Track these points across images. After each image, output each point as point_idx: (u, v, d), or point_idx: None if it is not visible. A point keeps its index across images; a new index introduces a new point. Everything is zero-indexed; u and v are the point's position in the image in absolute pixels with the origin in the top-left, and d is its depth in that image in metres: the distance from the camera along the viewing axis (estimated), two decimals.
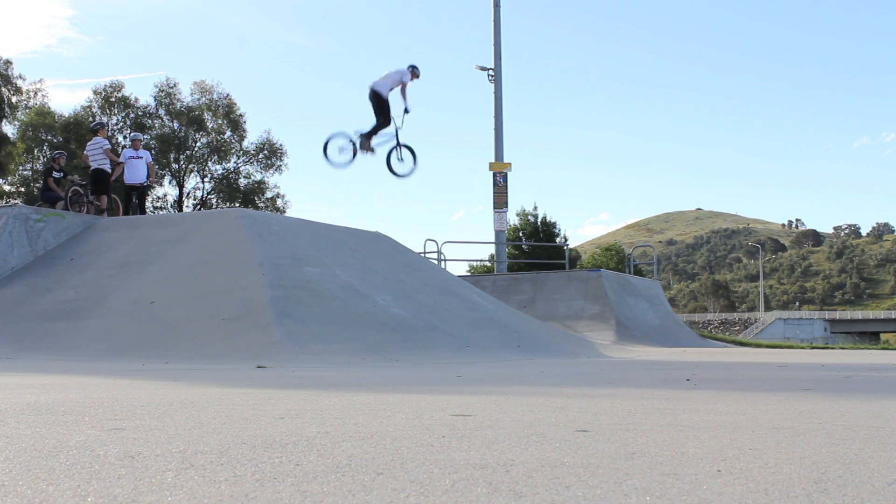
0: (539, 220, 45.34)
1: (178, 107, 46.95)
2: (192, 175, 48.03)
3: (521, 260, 35.19)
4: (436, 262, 19.59)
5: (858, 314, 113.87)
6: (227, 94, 48.11)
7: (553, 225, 45.45)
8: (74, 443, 2.41)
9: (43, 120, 44.02)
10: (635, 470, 2.05)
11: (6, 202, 41.24)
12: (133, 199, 15.22)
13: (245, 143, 48.04)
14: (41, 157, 44.00)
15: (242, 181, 48.12)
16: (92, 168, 14.51)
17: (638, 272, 25.89)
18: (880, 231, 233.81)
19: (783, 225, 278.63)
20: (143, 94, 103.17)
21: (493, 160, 23.66)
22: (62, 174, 15.22)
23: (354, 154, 12.36)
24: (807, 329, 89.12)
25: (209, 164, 48.01)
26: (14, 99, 42.03)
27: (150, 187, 20.42)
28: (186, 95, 47.55)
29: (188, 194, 47.76)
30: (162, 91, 47.03)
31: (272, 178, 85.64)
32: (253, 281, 10.03)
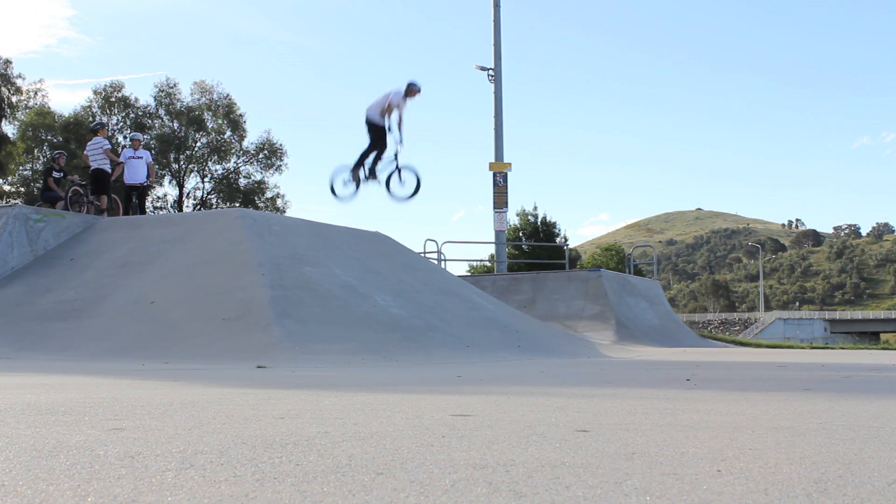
0: (539, 220, 45.34)
1: (178, 107, 46.96)
2: (192, 175, 48.06)
3: (521, 260, 35.19)
4: (436, 262, 19.59)
5: (858, 314, 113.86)
6: (227, 94, 48.17)
7: (553, 225, 45.45)
8: (74, 443, 2.41)
9: (43, 120, 44.03)
10: (635, 470, 2.05)
11: (6, 202, 41.23)
12: (133, 199, 15.22)
13: (245, 143, 48.10)
14: (41, 157, 44.01)
15: (242, 181, 48.14)
16: (92, 168, 14.51)
17: (638, 272, 25.89)
18: (880, 231, 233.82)
19: (783, 225, 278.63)
20: (143, 94, 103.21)
21: (493, 160, 23.66)
22: (62, 174, 15.22)
23: (357, 185, 12.13)
24: (807, 329, 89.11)
25: (209, 164, 48.04)
26: (14, 99, 42.03)
27: (150, 187, 20.41)
28: (186, 95, 47.60)
29: (188, 194, 47.79)
30: (162, 91, 47.05)
31: (272, 178, 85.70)
32: (253, 281, 10.03)
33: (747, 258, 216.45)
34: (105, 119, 44.75)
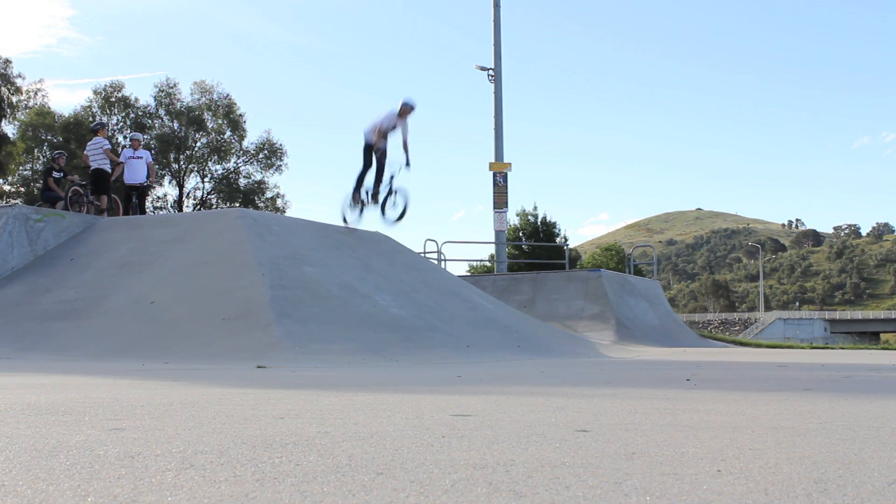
0: (539, 220, 45.33)
1: (178, 107, 46.96)
2: (192, 175, 48.06)
3: (521, 260, 35.18)
4: (436, 262, 19.59)
5: (858, 314, 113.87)
6: (227, 94, 48.16)
7: (553, 225, 45.44)
8: (74, 443, 2.41)
9: (43, 120, 44.02)
10: (635, 470, 2.05)
11: (6, 202, 41.23)
12: (133, 199, 15.22)
13: (245, 143, 48.09)
14: (41, 157, 44.00)
15: (242, 181, 48.14)
16: (92, 168, 14.51)
17: (638, 272, 25.89)
18: (880, 231, 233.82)
19: (783, 225, 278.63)
20: (143, 94, 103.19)
21: (493, 160, 23.66)
22: (62, 174, 15.22)
23: (362, 208, 12.25)
24: (807, 329, 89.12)
25: (209, 164, 48.04)
26: (14, 99, 42.03)
27: (150, 187, 20.40)
28: (186, 95, 47.60)
29: (188, 194, 47.79)
30: (162, 91, 47.04)
31: (272, 178, 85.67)
32: (253, 281, 10.03)
33: (747, 258, 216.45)
34: (105, 119, 44.74)
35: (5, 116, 41.34)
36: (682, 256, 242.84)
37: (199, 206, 46.96)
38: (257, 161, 47.97)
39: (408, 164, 11.78)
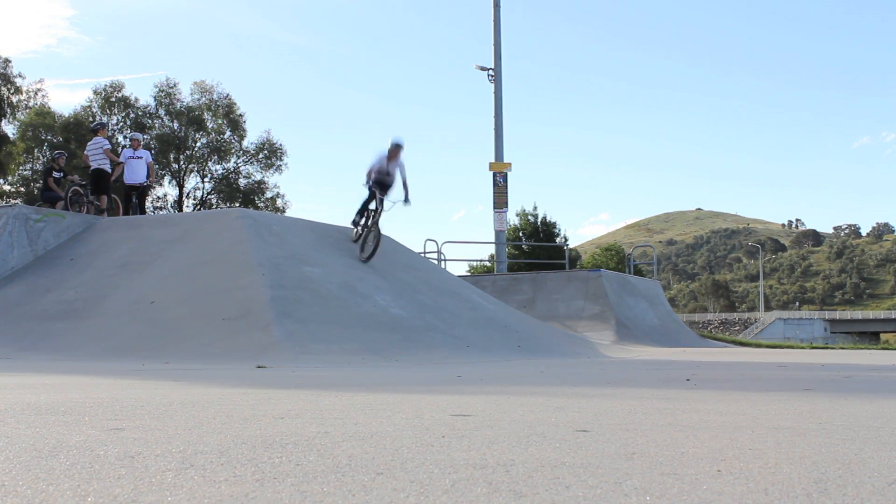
0: (539, 220, 45.32)
1: (178, 107, 46.95)
2: (192, 175, 48.05)
3: (521, 260, 35.19)
4: (436, 262, 19.59)
5: (858, 314, 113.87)
6: (227, 94, 48.15)
7: (553, 225, 45.43)
8: (74, 443, 2.41)
9: (43, 120, 44.01)
10: (635, 470, 2.05)
11: (6, 202, 41.23)
12: (133, 199, 15.22)
13: (245, 143, 48.08)
14: (41, 157, 43.99)
15: (242, 181, 48.13)
16: (92, 168, 14.51)
17: (638, 272, 25.89)
18: (880, 231, 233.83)
19: (783, 225, 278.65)
20: (143, 94, 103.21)
21: (493, 160, 23.66)
22: (62, 174, 15.22)
23: (361, 231, 12.53)
24: (807, 329, 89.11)
25: (209, 164, 48.03)
26: (14, 99, 42.04)
27: (150, 187, 20.40)
28: (186, 95, 47.59)
29: (188, 194, 47.78)
30: (162, 91, 47.04)
31: (272, 178, 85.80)
32: (253, 281, 10.03)
33: (747, 258, 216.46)
34: (105, 119, 44.74)
35: (5, 116, 41.35)
36: (682, 256, 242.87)
37: (199, 206, 46.96)
38: (257, 161, 47.98)
39: (407, 200, 12.11)
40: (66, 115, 45.44)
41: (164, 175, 46.17)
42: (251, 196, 47.11)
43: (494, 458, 2.20)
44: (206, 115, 47.13)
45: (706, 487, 1.84)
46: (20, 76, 42.38)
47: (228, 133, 47.81)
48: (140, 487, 1.78)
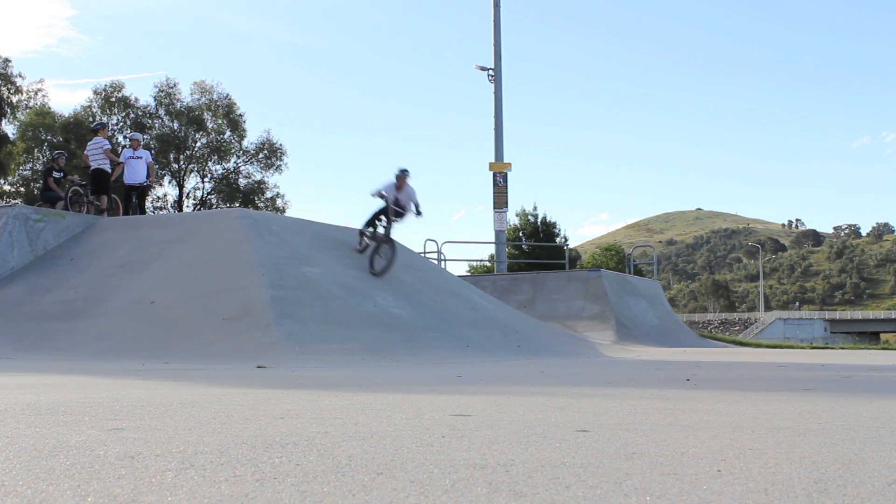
0: (539, 220, 45.30)
1: (178, 107, 46.94)
2: (192, 175, 48.04)
3: (521, 260, 35.19)
4: (436, 262, 19.59)
5: (858, 314, 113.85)
6: (227, 94, 48.13)
7: (553, 225, 45.41)
8: (74, 443, 2.41)
9: (43, 120, 44.01)
10: (635, 470, 2.05)
11: (6, 202, 41.23)
12: (133, 199, 15.21)
13: (245, 143, 48.06)
14: (41, 157, 43.98)
15: (242, 181, 48.11)
16: (92, 168, 14.51)
17: (638, 272, 25.89)
18: (880, 231, 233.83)
19: (783, 225, 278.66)
20: (143, 94, 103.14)
21: (493, 160, 23.66)
22: (62, 174, 15.22)
23: (369, 241, 12.50)
24: (807, 329, 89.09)
25: (209, 164, 48.01)
26: (14, 99, 42.04)
27: (150, 187, 20.40)
28: (186, 95, 47.58)
29: (188, 194, 47.77)
30: (162, 91, 47.03)
31: (272, 178, 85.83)
32: (253, 281, 10.03)
33: (747, 258, 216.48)
34: (105, 119, 44.74)
35: (5, 116, 41.35)
36: (682, 256, 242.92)
37: (199, 206, 46.95)
38: (257, 161, 47.97)
39: (419, 213, 12.31)
40: (66, 115, 45.44)
41: (164, 175, 46.17)
42: (251, 196, 47.10)
43: (494, 458, 2.20)
44: (206, 115, 47.12)
45: (706, 487, 1.84)
46: (20, 76, 42.38)
47: (228, 133, 47.81)
48: (140, 487, 1.78)
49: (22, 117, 43.44)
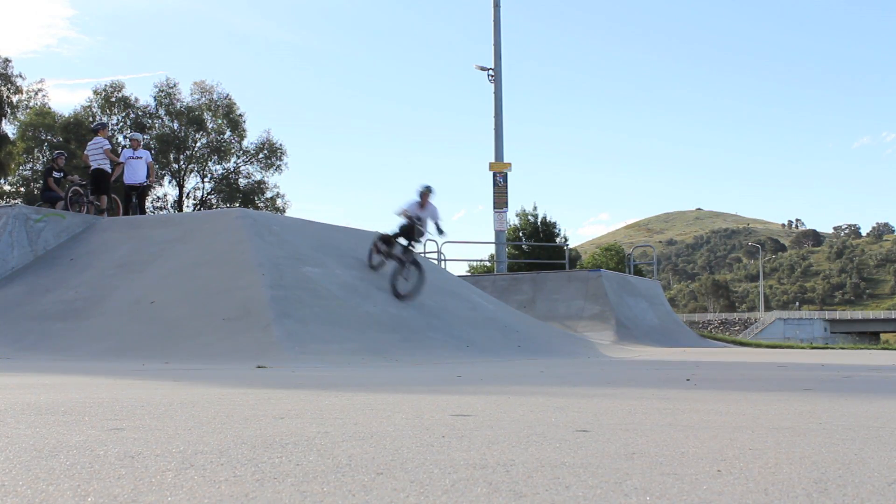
0: (539, 220, 45.31)
1: (178, 107, 46.94)
2: (192, 175, 48.04)
3: (521, 260, 35.19)
4: (436, 262, 19.60)
5: (858, 314, 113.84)
6: (227, 94, 48.14)
7: (553, 225, 45.42)
8: (74, 443, 2.41)
9: (43, 120, 44.01)
10: (635, 470, 2.05)
11: (6, 202, 41.23)
12: (133, 199, 15.22)
13: (245, 143, 48.07)
14: (41, 157, 43.98)
15: (242, 181, 48.12)
16: (92, 168, 14.51)
17: (638, 272, 25.90)
18: (880, 231, 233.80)
19: (783, 225, 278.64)
20: (143, 94, 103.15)
21: (493, 160, 23.67)
22: (62, 174, 15.22)
23: (381, 258, 12.19)
24: (807, 329, 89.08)
25: (209, 164, 48.01)
26: (14, 99, 42.05)
27: (150, 187, 20.40)
28: (186, 95, 47.58)
29: (188, 194, 47.77)
30: (162, 91, 47.04)
31: (272, 178, 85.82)
32: (253, 281, 10.03)
33: (747, 258, 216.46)
34: (105, 119, 44.74)
35: (5, 116, 41.35)
36: (682, 256, 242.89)
37: (199, 206, 46.95)
38: (257, 161, 47.98)
39: (441, 231, 12.07)
40: (66, 115, 45.44)
41: (164, 175, 46.17)
42: (251, 196, 47.11)
43: (494, 458, 2.20)
44: (206, 115, 47.13)
45: (706, 487, 1.84)
46: (20, 76, 42.42)
47: (228, 133, 47.81)
48: (140, 487, 1.78)
49: (22, 117, 43.46)
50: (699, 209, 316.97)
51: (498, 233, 23.62)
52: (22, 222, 12.39)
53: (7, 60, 41.14)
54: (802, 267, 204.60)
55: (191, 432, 2.68)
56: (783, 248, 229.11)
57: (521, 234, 44.45)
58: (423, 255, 12.18)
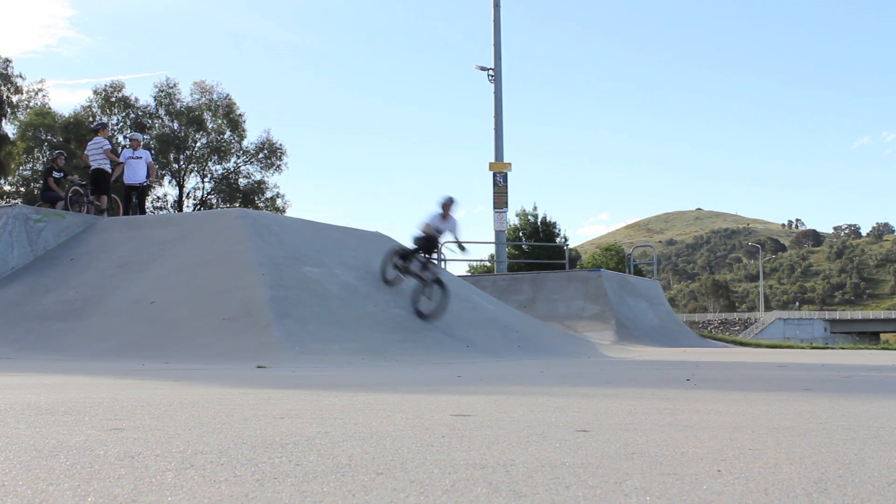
0: (539, 220, 45.31)
1: (178, 107, 46.94)
2: (192, 175, 48.05)
3: (521, 260, 35.19)
4: (436, 262, 19.58)
5: (858, 314, 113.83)
6: (227, 94, 48.15)
7: (553, 225, 45.42)
8: (74, 443, 2.41)
9: (43, 120, 44.00)
10: (635, 470, 2.05)
11: (6, 202, 41.23)
12: (133, 199, 15.22)
13: (245, 143, 48.07)
14: (41, 157, 43.98)
15: (242, 181, 48.13)
16: (92, 168, 14.51)
17: (638, 272, 25.90)
18: (880, 231, 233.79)
19: (783, 225, 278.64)
20: (143, 94, 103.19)
21: (493, 160, 23.67)
22: (62, 174, 15.22)
23: (398, 273, 11.85)
24: (807, 329, 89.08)
25: (209, 164, 48.02)
26: (14, 99, 42.06)
27: (150, 187, 20.40)
28: (186, 95, 47.59)
29: (188, 194, 47.78)
30: (162, 91, 47.04)
31: (272, 178, 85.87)
32: (253, 281, 10.03)
33: (747, 258, 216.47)
34: (105, 119, 44.73)
35: (5, 116, 41.36)
36: (682, 256, 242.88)
37: (199, 206, 46.95)
38: (257, 161, 47.98)
39: (462, 248, 11.91)
40: (66, 115, 45.44)
41: (164, 175, 46.18)
42: (251, 196, 47.11)
43: (494, 458, 2.20)
44: (206, 115, 47.13)
45: (706, 487, 1.84)
46: (20, 76, 42.44)
47: (228, 133, 47.82)
48: (140, 487, 1.78)
49: (22, 117, 43.46)
50: (699, 209, 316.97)
51: (498, 233, 23.62)
52: (22, 222, 12.39)
53: (7, 60, 41.18)
54: (802, 267, 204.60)
55: (191, 432, 2.68)
56: (783, 248, 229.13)
57: (521, 234, 44.45)
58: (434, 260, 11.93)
